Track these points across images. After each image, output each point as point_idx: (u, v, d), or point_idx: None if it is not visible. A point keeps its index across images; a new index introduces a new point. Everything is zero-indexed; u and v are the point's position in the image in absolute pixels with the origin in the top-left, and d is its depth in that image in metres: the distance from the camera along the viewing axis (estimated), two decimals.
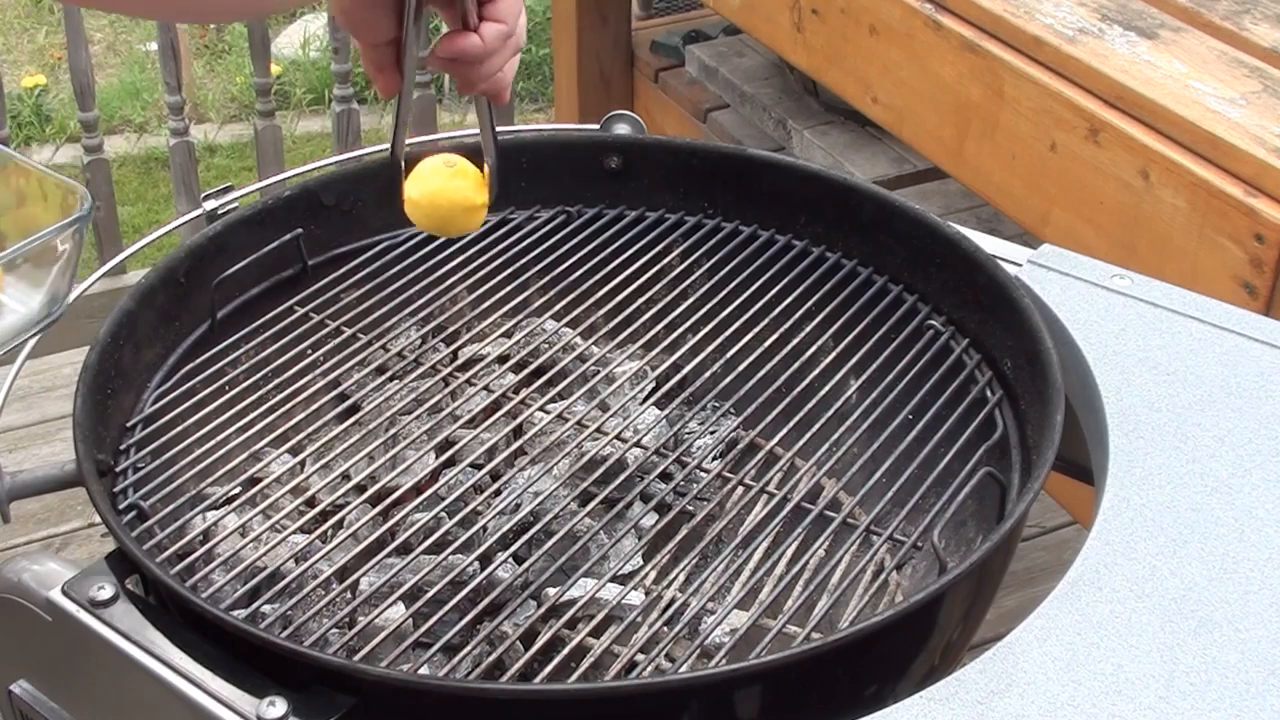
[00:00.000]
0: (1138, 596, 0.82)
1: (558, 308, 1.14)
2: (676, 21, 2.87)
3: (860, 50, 1.77)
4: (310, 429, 1.02)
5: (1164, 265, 1.35)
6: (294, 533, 0.93)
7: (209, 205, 1.16)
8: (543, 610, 0.94)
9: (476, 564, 0.92)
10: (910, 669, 0.89)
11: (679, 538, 0.95)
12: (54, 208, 0.87)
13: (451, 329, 1.15)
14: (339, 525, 0.98)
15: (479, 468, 1.05)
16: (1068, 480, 1.04)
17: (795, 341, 1.09)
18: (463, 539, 0.93)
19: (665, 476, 1.03)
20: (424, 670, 0.83)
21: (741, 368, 1.07)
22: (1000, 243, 1.14)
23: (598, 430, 1.04)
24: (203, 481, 0.95)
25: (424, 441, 1.05)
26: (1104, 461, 0.93)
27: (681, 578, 0.95)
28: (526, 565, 0.94)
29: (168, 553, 0.89)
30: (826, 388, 1.04)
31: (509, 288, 1.15)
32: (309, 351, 1.08)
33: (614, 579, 0.94)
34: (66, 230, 0.82)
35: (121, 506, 0.92)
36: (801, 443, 1.00)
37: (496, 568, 0.93)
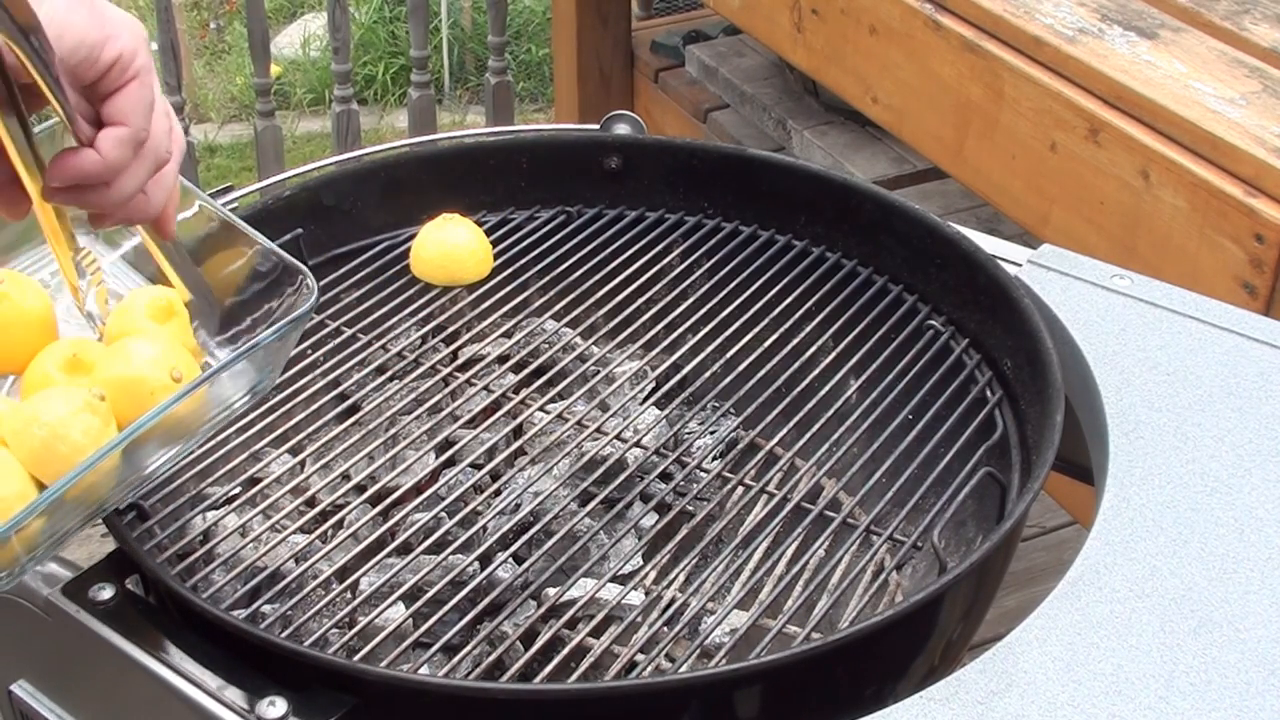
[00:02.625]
0: (1138, 596, 0.82)
1: (558, 308, 1.14)
2: (676, 21, 2.87)
3: (860, 50, 1.77)
4: (310, 429, 1.02)
5: (1164, 265, 1.35)
6: (294, 533, 0.93)
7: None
8: (543, 610, 0.94)
9: (476, 564, 0.92)
10: (910, 669, 0.89)
11: (679, 538, 0.95)
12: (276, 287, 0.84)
13: (451, 329, 1.15)
14: (339, 525, 0.98)
15: (479, 468, 1.05)
16: (1068, 480, 1.04)
17: (795, 341, 1.09)
18: (463, 539, 0.93)
19: (665, 476, 1.03)
20: (424, 670, 0.83)
21: (741, 368, 1.07)
22: (1000, 243, 1.14)
23: (598, 430, 1.04)
24: (203, 481, 0.95)
25: (424, 441, 1.05)
26: (1104, 461, 0.93)
27: (681, 578, 0.95)
28: (526, 565, 0.94)
29: (168, 553, 0.89)
30: (826, 388, 1.04)
31: (509, 288, 1.15)
32: (309, 351, 1.08)
33: (614, 579, 0.94)
34: (297, 324, 0.81)
35: (122, 507, 0.92)
36: (801, 443, 1.00)
37: (496, 568, 0.93)
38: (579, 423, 1.04)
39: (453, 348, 1.13)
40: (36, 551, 0.74)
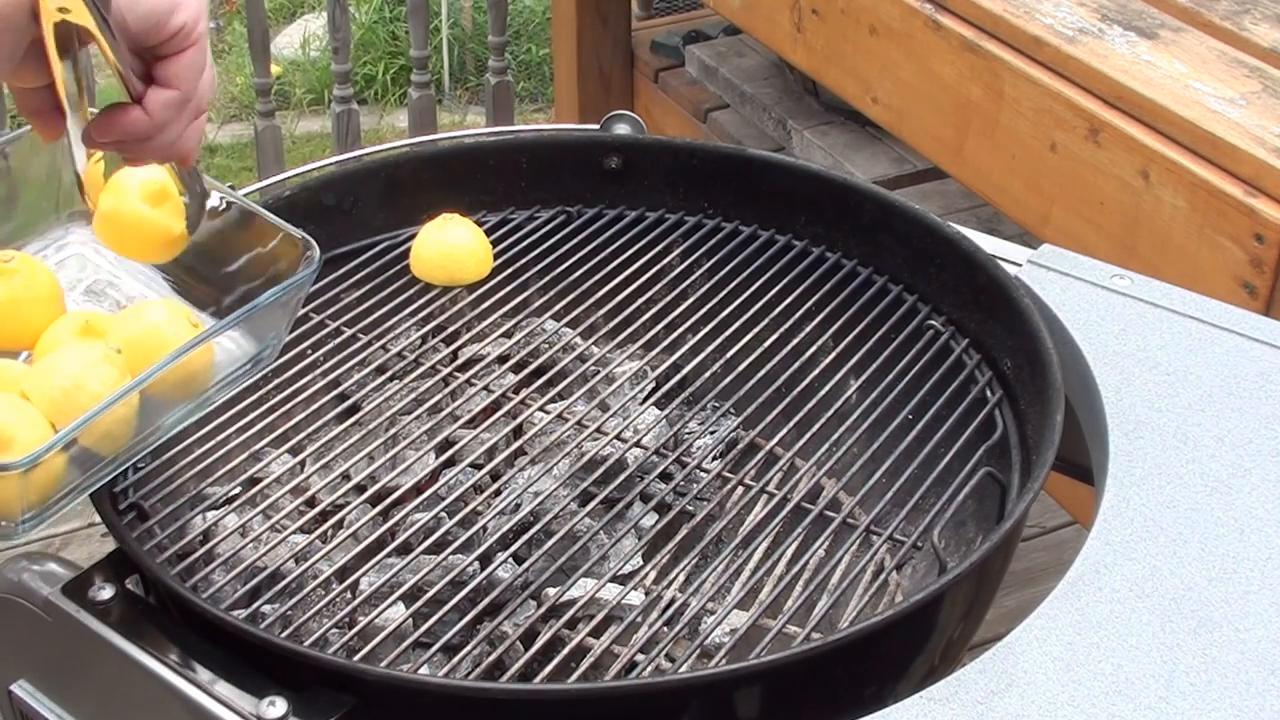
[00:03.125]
0: (1138, 596, 0.82)
1: (558, 308, 1.14)
2: (676, 21, 2.87)
3: (860, 50, 1.77)
4: (310, 429, 1.02)
5: (1164, 265, 1.35)
6: (294, 533, 0.93)
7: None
8: (543, 610, 0.94)
9: (476, 564, 0.92)
10: (910, 669, 0.89)
11: (679, 538, 0.95)
12: (283, 255, 0.87)
13: (451, 329, 1.15)
14: (339, 525, 0.98)
15: (479, 468, 1.05)
16: (1068, 480, 1.04)
17: (795, 341, 1.09)
18: (463, 539, 0.93)
19: (665, 476, 1.03)
20: (424, 670, 0.83)
21: (741, 368, 1.07)
22: (1000, 243, 1.14)
23: (598, 430, 1.04)
24: (203, 481, 0.95)
25: (424, 441, 1.05)
26: (1104, 461, 0.93)
27: (681, 578, 0.95)
28: (526, 565, 0.94)
29: (168, 553, 0.89)
30: (826, 388, 1.04)
31: (509, 288, 1.15)
32: (309, 351, 1.08)
33: (614, 579, 0.94)
34: (299, 287, 0.84)
35: (121, 506, 0.92)
36: (801, 443, 1.00)
37: (496, 568, 0.93)
38: (579, 423, 1.04)
39: (453, 348, 1.13)
40: (51, 500, 0.76)
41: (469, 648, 0.87)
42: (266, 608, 0.90)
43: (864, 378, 1.06)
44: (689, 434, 1.11)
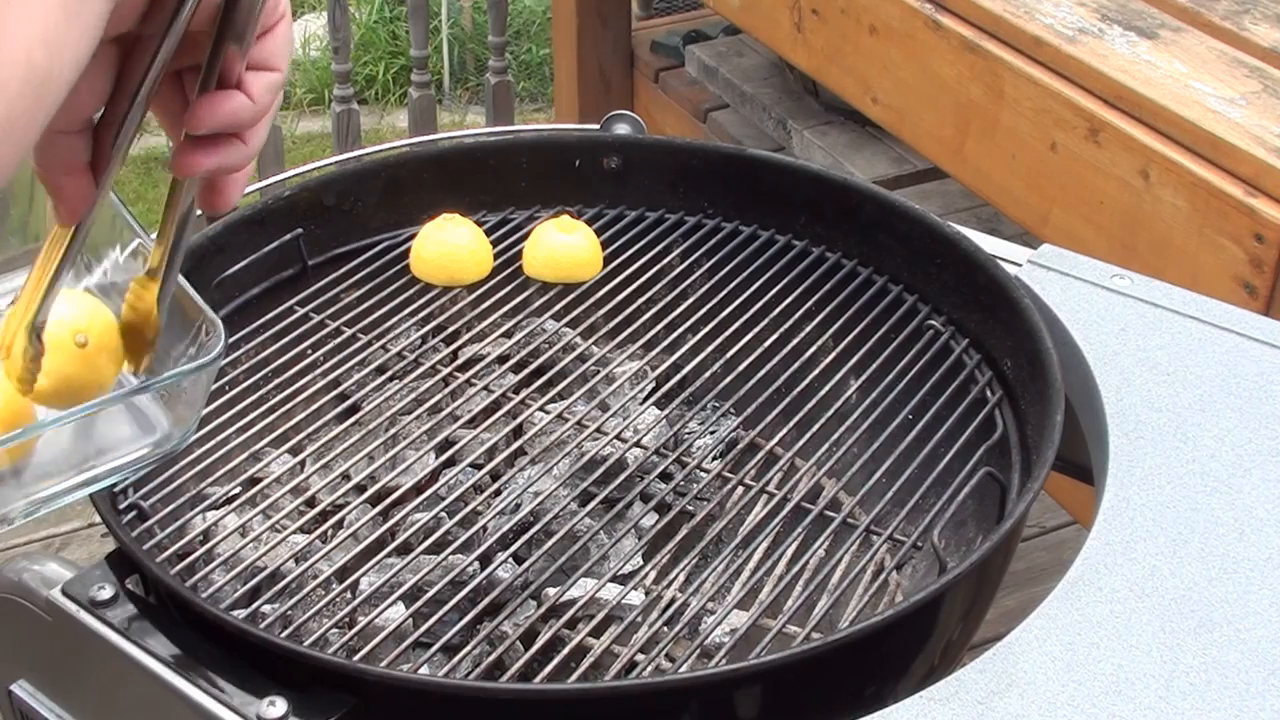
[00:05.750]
0: (1138, 596, 0.82)
1: (558, 308, 1.14)
2: (676, 21, 2.87)
3: (860, 50, 1.77)
4: (310, 429, 1.02)
5: (1164, 265, 1.35)
6: (294, 533, 0.93)
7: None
8: (543, 610, 0.94)
9: (476, 564, 0.92)
10: (910, 669, 0.89)
11: (679, 538, 0.95)
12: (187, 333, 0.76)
13: (451, 329, 1.15)
14: (339, 525, 0.98)
15: (479, 468, 1.05)
16: (1068, 480, 1.04)
17: (795, 341, 1.09)
18: (463, 539, 0.93)
19: (665, 476, 1.03)
20: (424, 670, 0.83)
21: (741, 368, 1.07)
22: (1000, 243, 1.14)
23: (598, 430, 1.04)
24: (203, 481, 0.95)
25: (424, 441, 1.05)
26: (1104, 461, 0.93)
27: (681, 578, 0.95)
28: (526, 565, 0.94)
29: (168, 553, 0.89)
30: (826, 388, 1.04)
31: (509, 288, 1.15)
32: (309, 351, 1.08)
33: (614, 579, 0.94)
34: (198, 373, 0.74)
35: (121, 506, 0.92)
36: (801, 443, 1.00)
37: (496, 568, 0.93)
38: (579, 423, 1.04)
39: (453, 348, 1.13)
40: None
41: (469, 648, 0.87)
42: (266, 608, 0.90)
43: (864, 378, 1.06)
44: (689, 434, 1.11)
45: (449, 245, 1.12)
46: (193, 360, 0.68)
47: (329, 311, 1.12)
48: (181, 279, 0.67)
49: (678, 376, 1.13)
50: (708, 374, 1.07)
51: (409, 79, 2.84)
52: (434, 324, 1.14)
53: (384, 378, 1.10)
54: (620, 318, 1.12)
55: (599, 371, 1.12)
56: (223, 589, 0.89)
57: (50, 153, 0.56)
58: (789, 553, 0.97)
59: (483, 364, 1.10)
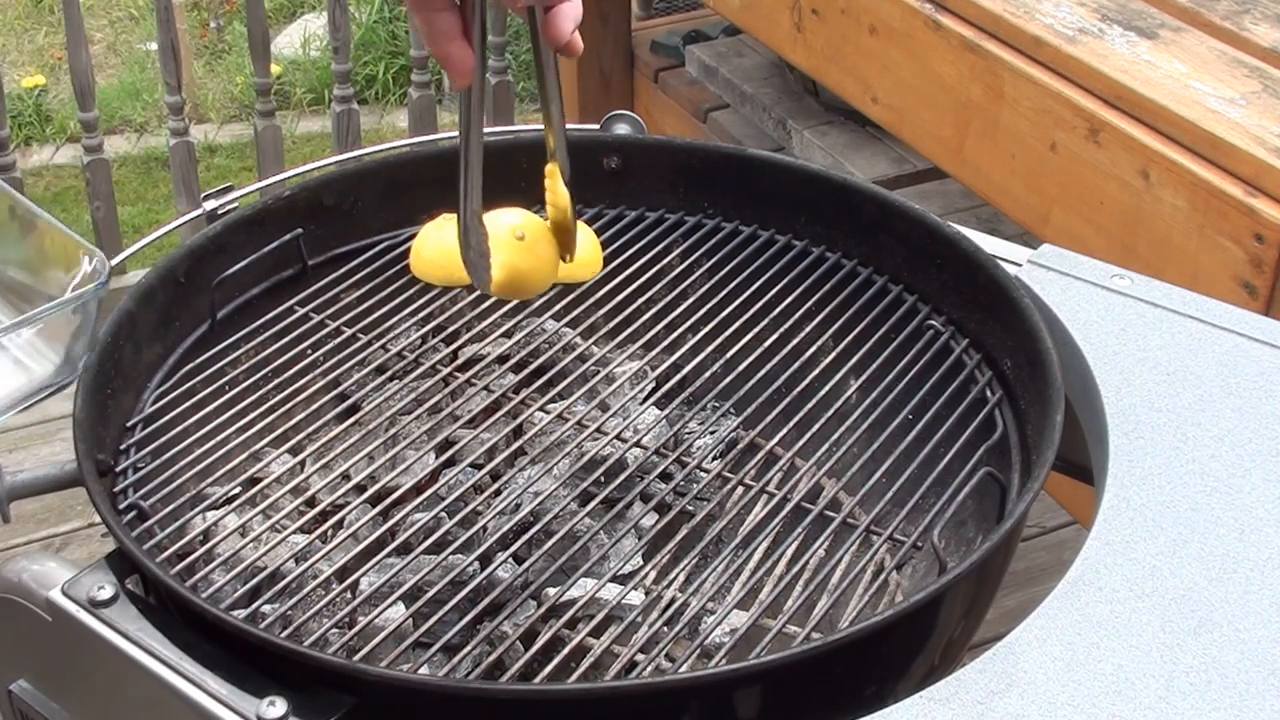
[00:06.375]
0: (1138, 596, 0.82)
1: (558, 308, 1.14)
2: (676, 21, 2.87)
3: (860, 50, 1.77)
4: (310, 429, 1.02)
5: (1164, 265, 1.35)
6: (294, 533, 0.93)
7: (209, 205, 1.16)
8: (543, 610, 0.94)
9: (476, 564, 0.92)
10: (910, 669, 0.89)
11: (679, 538, 0.95)
12: (74, 269, 0.82)
13: (451, 329, 1.15)
14: (339, 525, 0.98)
15: (479, 468, 1.05)
16: (1068, 480, 1.04)
17: (795, 341, 1.09)
18: (463, 539, 0.93)
19: (665, 476, 1.03)
20: (424, 670, 0.83)
21: (741, 368, 1.07)
22: (1000, 243, 1.14)
23: (598, 430, 1.04)
24: (203, 481, 0.95)
25: (424, 441, 1.05)
26: (1104, 461, 0.93)
27: (681, 578, 0.95)
28: (526, 565, 0.94)
29: (168, 553, 0.89)
30: (826, 388, 1.04)
31: None
32: (309, 351, 1.08)
33: (614, 579, 0.94)
34: (80, 302, 0.78)
35: (121, 506, 0.92)
36: (801, 443, 1.00)
37: (496, 568, 0.93)
38: (579, 423, 1.04)
39: (453, 348, 1.13)
40: None
41: (469, 648, 0.87)
42: (266, 608, 0.90)
43: (864, 378, 1.06)
44: (689, 434, 1.11)
45: (449, 245, 1.12)
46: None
47: (329, 311, 1.12)
48: (56, 221, 0.76)
49: (678, 376, 1.13)
50: (708, 374, 1.07)
51: (409, 79, 2.84)
52: (434, 324, 1.14)
53: (384, 378, 1.10)
54: (620, 318, 1.12)
55: (599, 371, 1.12)
56: (223, 589, 0.89)
57: (435, 28, 0.71)
58: (789, 553, 0.97)
59: (483, 364, 1.10)
